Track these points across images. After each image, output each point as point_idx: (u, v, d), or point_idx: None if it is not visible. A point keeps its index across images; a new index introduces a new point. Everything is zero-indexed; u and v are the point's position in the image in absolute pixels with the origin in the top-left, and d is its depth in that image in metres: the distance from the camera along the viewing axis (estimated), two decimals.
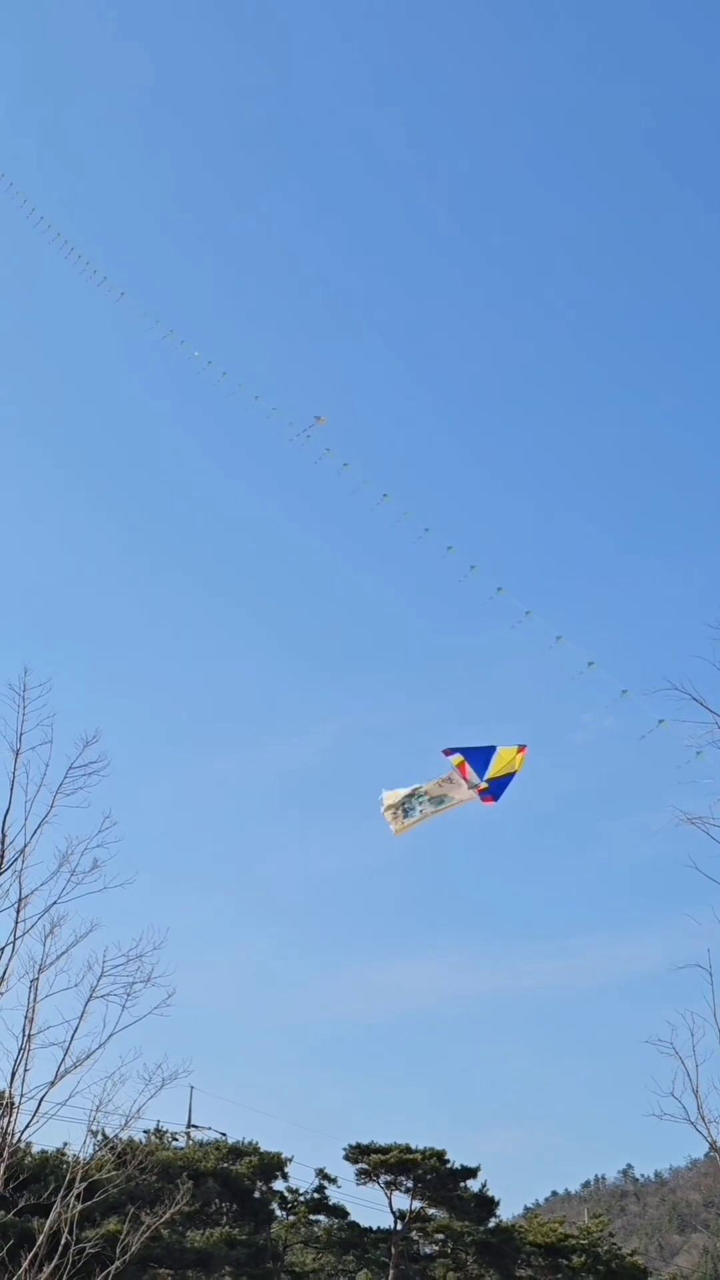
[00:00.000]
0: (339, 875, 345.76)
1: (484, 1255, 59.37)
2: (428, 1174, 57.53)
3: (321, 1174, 58.68)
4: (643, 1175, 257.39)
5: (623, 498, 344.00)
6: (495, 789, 23.65)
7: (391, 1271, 59.09)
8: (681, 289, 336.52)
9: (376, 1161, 57.04)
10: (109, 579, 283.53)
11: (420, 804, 23.96)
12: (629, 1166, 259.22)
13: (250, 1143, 58.07)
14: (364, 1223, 61.06)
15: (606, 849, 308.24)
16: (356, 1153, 57.68)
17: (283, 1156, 57.37)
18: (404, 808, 24.06)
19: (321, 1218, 60.20)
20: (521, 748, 23.77)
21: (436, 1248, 62.41)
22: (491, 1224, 60.25)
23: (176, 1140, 60.85)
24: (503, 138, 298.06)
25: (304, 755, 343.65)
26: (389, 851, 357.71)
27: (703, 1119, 16.79)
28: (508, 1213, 71.02)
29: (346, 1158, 58.02)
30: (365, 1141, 58.11)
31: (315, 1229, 60.83)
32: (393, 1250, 58.71)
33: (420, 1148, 57.84)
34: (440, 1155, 57.83)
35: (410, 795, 24.07)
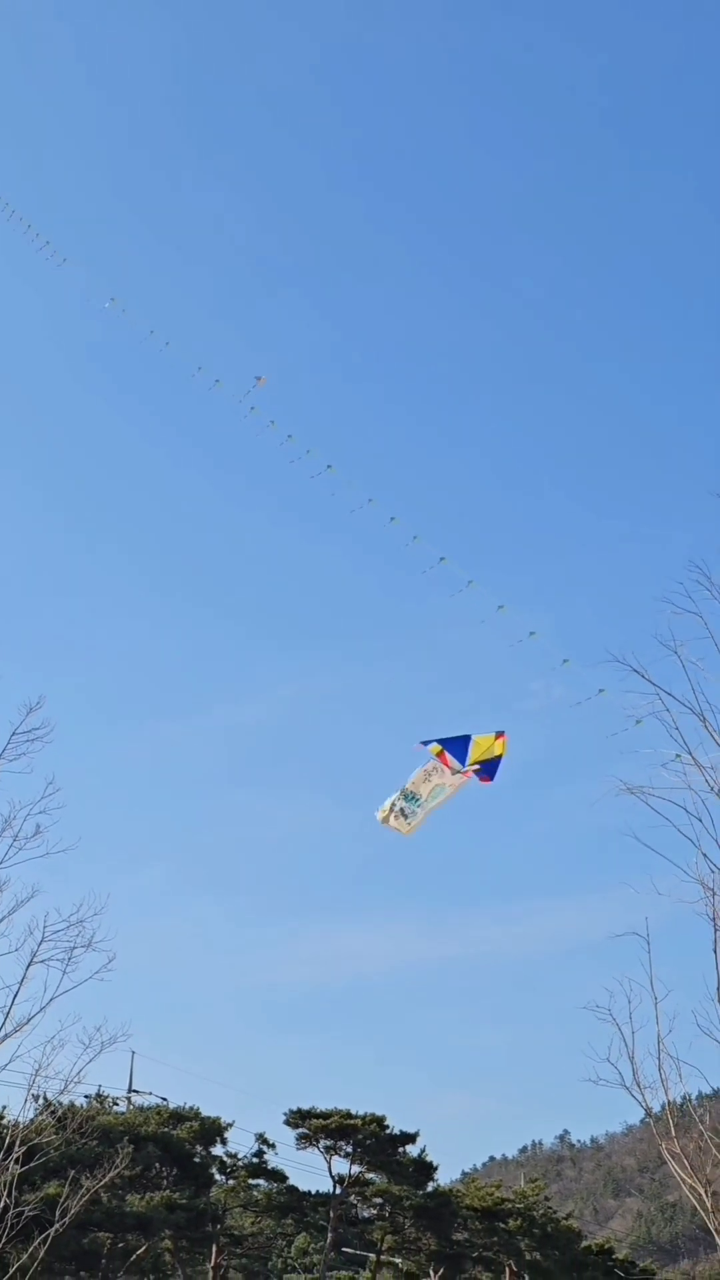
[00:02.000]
0: (285, 842, 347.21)
1: (422, 1219, 59.99)
2: (367, 1139, 57.99)
3: (261, 1139, 59.03)
4: (579, 1141, 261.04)
5: (575, 467, 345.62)
6: (488, 769, 23.60)
7: (330, 1235, 59.64)
8: (639, 251, 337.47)
9: (316, 1126, 57.42)
10: (46, 552, 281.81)
11: (414, 803, 23.91)
12: (566, 1132, 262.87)
13: (191, 1108, 58.33)
14: (303, 1187, 61.60)
15: (553, 817, 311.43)
16: (297, 1118, 58.03)
17: (223, 1121, 57.64)
18: (401, 811, 24.01)
19: (261, 1182, 60.59)
20: (499, 734, 23.73)
21: (375, 1211, 63.02)
22: (430, 1188, 60.87)
23: (117, 1105, 61.07)
24: (439, 102, 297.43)
25: (251, 723, 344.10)
26: (336, 820, 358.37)
27: (638, 1085, 16.99)
28: (446, 1177, 71.95)
29: (287, 1123, 58.39)
30: (305, 1107, 58.49)
31: (255, 1193, 61.21)
32: (331, 1214, 59.21)
33: (360, 1113, 58.28)
34: (380, 1121, 58.30)
35: (401, 798, 24.02)
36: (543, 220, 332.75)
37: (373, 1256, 64.58)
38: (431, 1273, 64.05)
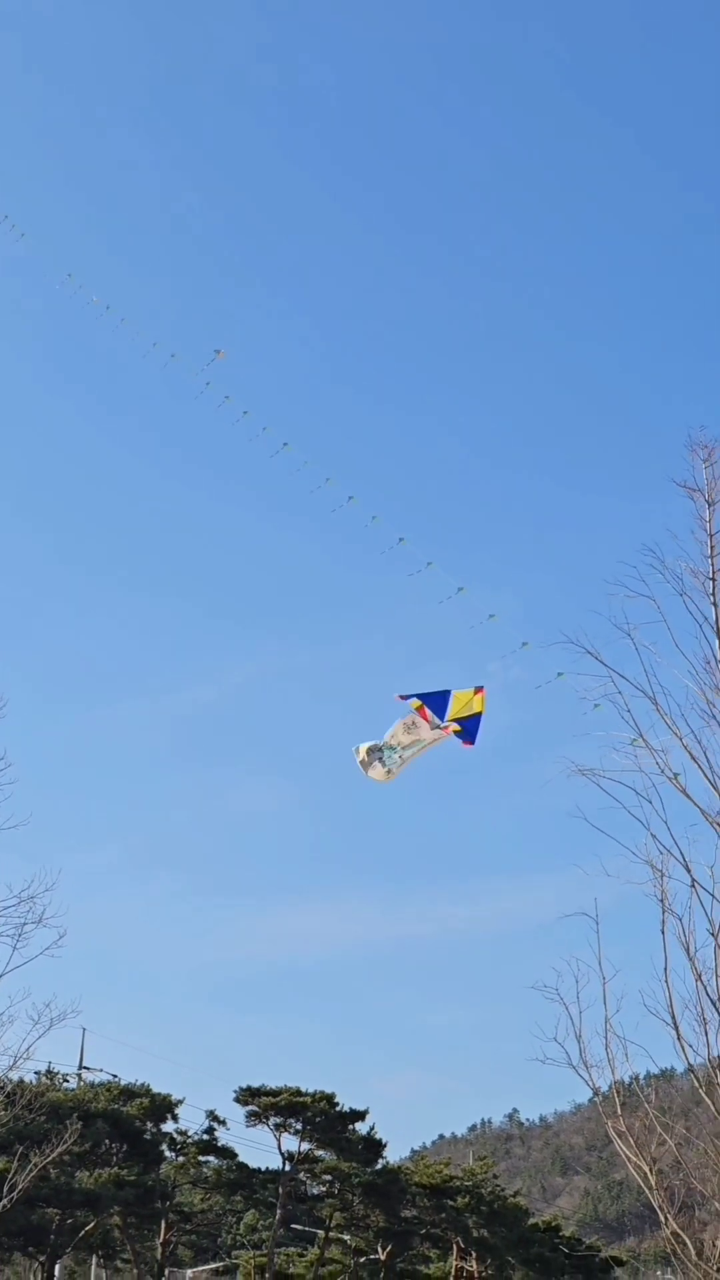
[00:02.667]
0: (241, 821, 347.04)
1: (370, 1196, 60.30)
2: (317, 1116, 58.18)
3: (212, 1116, 59.20)
4: (528, 1120, 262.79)
5: (538, 444, 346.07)
6: (469, 730, 23.52)
7: (279, 1211, 59.86)
8: (608, 223, 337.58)
9: (266, 1104, 57.57)
10: None
11: (390, 755, 23.85)
12: (515, 1111, 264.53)
13: (142, 1084, 58.36)
14: (253, 1164, 61.82)
15: (508, 799, 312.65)
16: (247, 1095, 58.16)
17: (173, 1098, 57.73)
18: (380, 760, 23.94)
19: (211, 1159, 60.75)
20: (478, 689, 23.67)
21: (324, 1188, 63.32)
22: (379, 1166, 61.17)
23: (67, 1081, 60.99)
24: (396, 68, 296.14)
25: (208, 702, 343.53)
26: (292, 799, 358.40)
27: (585, 1064, 17.12)
28: (395, 1155, 72.38)
29: (237, 1100, 58.51)
30: (256, 1084, 58.62)
31: (204, 1170, 61.37)
32: (280, 1191, 59.45)
33: (310, 1091, 58.47)
34: (330, 1098, 58.52)
35: (377, 748, 23.93)
36: (508, 189, 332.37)
37: (321, 1233, 64.91)
38: (379, 1249, 64.48)
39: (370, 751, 23.97)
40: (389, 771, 23.87)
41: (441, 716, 23.42)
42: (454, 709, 23.40)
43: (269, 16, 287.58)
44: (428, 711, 23.46)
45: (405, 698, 23.83)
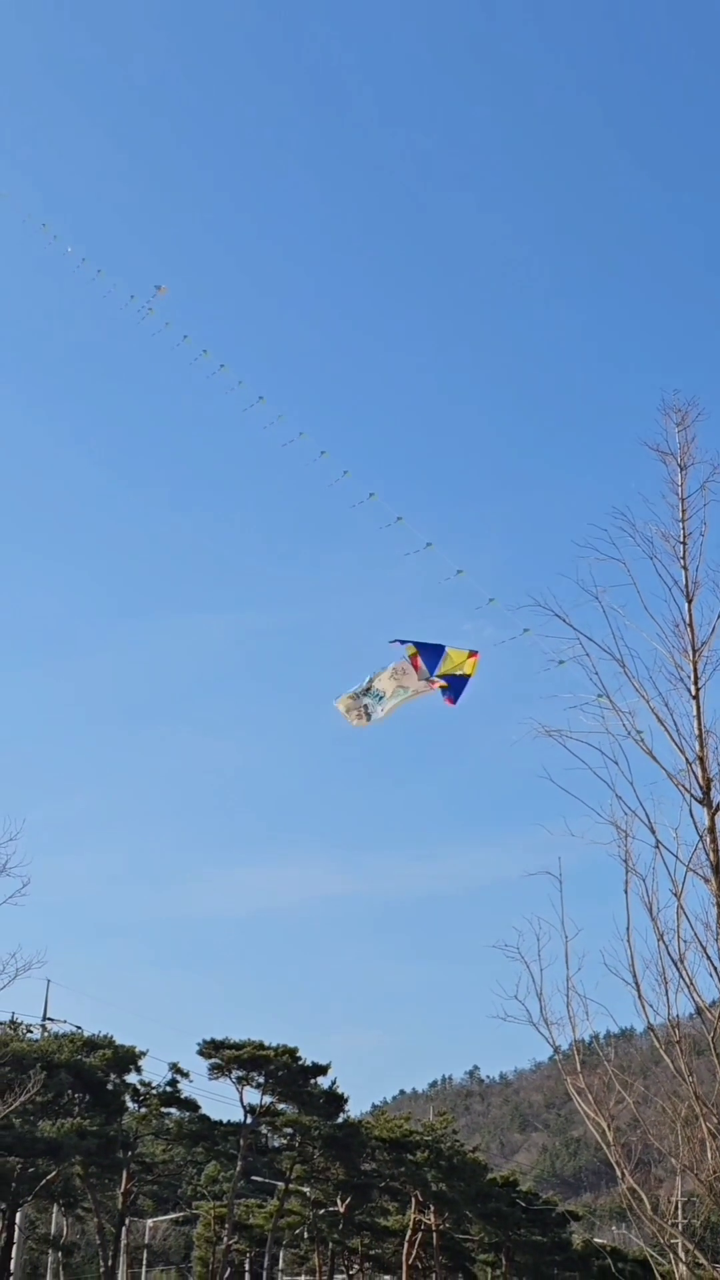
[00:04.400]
0: (207, 779, 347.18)
1: (331, 1149, 60.82)
2: (279, 1070, 58.52)
3: (175, 1068, 59.38)
4: (488, 1077, 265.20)
5: (510, 407, 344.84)
6: (455, 689, 23.35)
7: (240, 1163, 60.31)
8: (579, 176, 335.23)
9: (229, 1057, 57.84)
10: None
11: (378, 700, 23.63)
12: (476, 1068, 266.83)
13: (105, 1036, 58.52)
14: (215, 1116, 62.18)
15: (477, 758, 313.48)
16: (210, 1048, 58.40)
17: (137, 1050, 57.88)
18: (364, 707, 23.74)
19: (173, 1111, 61.03)
20: (473, 653, 23.50)
21: (285, 1141, 63.82)
22: (340, 1120, 61.65)
23: (31, 1032, 61.09)
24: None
25: (178, 660, 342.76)
26: (257, 757, 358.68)
27: (545, 1021, 17.22)
28: (356, 1110, 72.76)
29: (200, 1053, 58.73)
30: (219, 1038, 58.86)
31: (166, 1121, 61.70)
32: (242, 1143, 59.85)
33: (273, 1045, 58.79)
34: (292, 1052, 58.85)
35: (364, 692, 23.71)
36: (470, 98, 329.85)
37: (281, 1185, 65.46)
38: (339, 1201, 65.11)
39: (355, 697, 23.78)
40: (371, 717, 23.71)
41: (432, 670, 23.27)
42: (445, 666, 23.24)
43: None
44: (420, 661, 23.27)
45: (402, 643, 23.57)
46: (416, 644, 23.46)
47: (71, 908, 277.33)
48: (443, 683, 23.30)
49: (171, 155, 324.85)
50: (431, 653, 23.32)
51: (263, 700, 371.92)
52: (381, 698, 23.58)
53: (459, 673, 23.31)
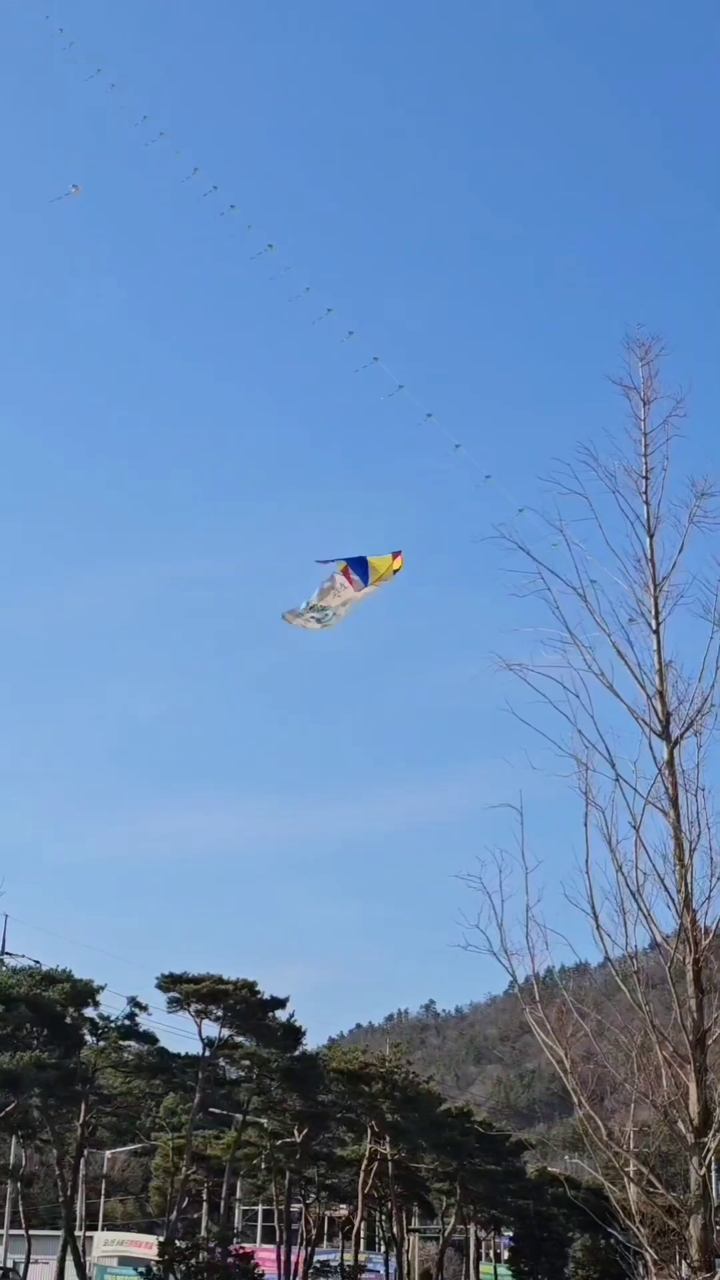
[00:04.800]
0: (152, 719, 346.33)
1: (288, 1081, 61.48)
2: (238, 1004, 58.93)
3: (133, 1001, 59.70)
4: (444, 1010, 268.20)
5: (476, 334, 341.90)
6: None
7: (198, 1095, 60.84)
8: (565, 104, 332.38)
9: (188, 991, 58.18)
10: None
11: (325, 613, 23.60)
12: (431, 1002, 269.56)
13: (63, 970, 58.69)
14: (173, 1049, 62.65)
15: (428, 695, 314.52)
16: (169, 982, 58.70)
17: (95, 984, 58.14)
18: (310, 618, 23.74)
19: (132, 1044, 61.42)
20: (396, 554, 23.45)
21: (243, 1073, 64.41)
22: (297, 1052, 62.25)
23: None
24: None
25: (122, 602, 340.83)
26: (201, 698, 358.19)
27: (505, 951, 17.37)
28: (313, 1043, 73.51)
29: (159, 987, 59.05)
30: (178, 972, 59.17)
31: (125, 1054, 62.10)
32: (200, 1075, 60.34)
33: (231, 979, 59.14)
34: (251, 986, 59.26)
35: (308, 610, 23.67)
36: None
37: (239, 1116, 66.16)
38: (296, 1132, 65.92)
39: (300, 614, 23.80)
40: (324, 625, 23.76)
41: (365, 579, 23.30)
42: (374, 575, 23.29)
43: None
44: (351, 574, 23.28)
45: (326, 562, 23.56)
46: (343, 559, 23.46)
47: (27, 843, 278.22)
48: (371, 589, 23.42)
49: None
50: (358, 565, 23.36)
51: (209, 641, 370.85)
52: (329, 610, 23.66)
53: (390, 576, 23.44)
